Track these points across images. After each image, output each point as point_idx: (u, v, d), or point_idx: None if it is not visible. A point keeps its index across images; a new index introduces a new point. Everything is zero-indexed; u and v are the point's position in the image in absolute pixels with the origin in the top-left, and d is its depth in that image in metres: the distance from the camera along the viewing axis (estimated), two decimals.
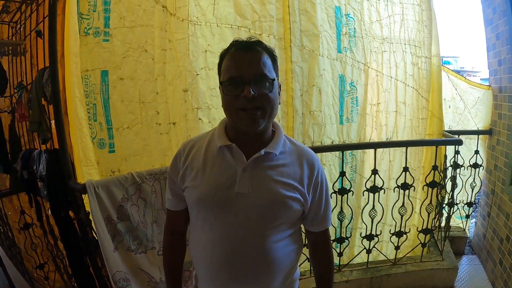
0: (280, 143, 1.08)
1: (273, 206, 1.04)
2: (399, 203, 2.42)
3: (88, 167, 1.86)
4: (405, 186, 2.41)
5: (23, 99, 2.39)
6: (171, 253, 1.27)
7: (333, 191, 2.21)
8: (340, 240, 2.41)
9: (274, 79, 1.01)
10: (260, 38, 2.07)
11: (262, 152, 1.04)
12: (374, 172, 2.27)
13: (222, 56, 1.06)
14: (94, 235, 1.84)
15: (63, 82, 1.98)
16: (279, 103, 1.06)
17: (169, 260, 1.28)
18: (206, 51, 1.93)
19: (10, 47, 2.78)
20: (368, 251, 2.52)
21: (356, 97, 2.38)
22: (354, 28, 2.42)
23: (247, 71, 0.98)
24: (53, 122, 2.08)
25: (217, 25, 1.95)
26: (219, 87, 1.05)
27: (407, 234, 2.60)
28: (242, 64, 0.98)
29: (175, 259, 1.28)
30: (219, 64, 1.07)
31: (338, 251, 2.43)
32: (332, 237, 2.39)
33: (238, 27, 2.01)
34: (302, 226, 1.23)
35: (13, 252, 3.23)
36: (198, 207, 1.09)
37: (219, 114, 1.99)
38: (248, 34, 2.02)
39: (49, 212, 2.45)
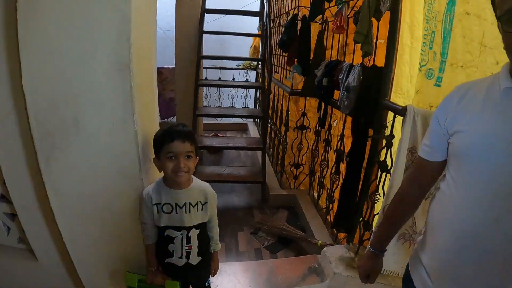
0: None
1: None
2: None
3: (401, 95, 1.80)
4: None
5: (343, 11, 2.49)
6: (401, 204, 1.12)
7: None
8: None
9: None
10: None
11: None
12: None
13: None
14: (389, 159, 1.83)
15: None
16: None
17: (393, 211, 1.15)
18: None
19: None
20: None
21: None
22: None
23: None
24: (380, 41, 2.08)
25: None
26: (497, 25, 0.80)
27: None
28: None
29: (401, 214, 1.14)
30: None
31: None
32: None
33: None
34: None
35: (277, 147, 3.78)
36: (464, 157, 0.87)
37: None
38: None
39: (333, 122, 2.64)
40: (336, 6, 2.54)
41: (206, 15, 3.76)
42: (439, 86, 1.78)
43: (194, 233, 1.37)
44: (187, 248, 1.37)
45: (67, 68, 1.12)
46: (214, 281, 1.70)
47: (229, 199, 3.34)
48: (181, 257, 1.38)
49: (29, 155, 1.28)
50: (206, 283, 1.53)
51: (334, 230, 2.46)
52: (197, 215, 1.36)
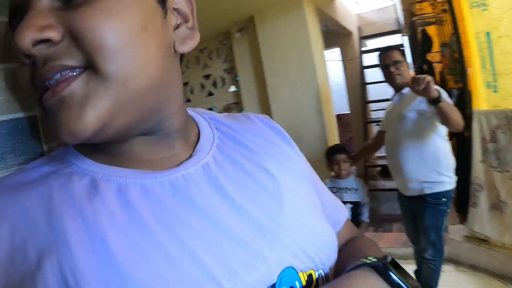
0: None
1: None
2: None
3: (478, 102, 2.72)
4: None
5: (446, 53, 3.42)
6: None
7: None
8: None
9: None
10: None
11: None
12: None
13: None
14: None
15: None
16: None
17: None
18: None
19: (433, 19, 3.73)
20: None
21: None
22: None
23: None
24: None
25: None
26: None
27: None
28: None
29: None
30: None
31: None
32: None
33: None
34: None
35: None
36: None
37: None
38: None
39: None
40: None
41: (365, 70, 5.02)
42: (496, 92, 2.64)
43: None
44: None
45: (296, 116, 2.91)
46: None
47: None
48: None
49: None
50: None
51: None
52: None
